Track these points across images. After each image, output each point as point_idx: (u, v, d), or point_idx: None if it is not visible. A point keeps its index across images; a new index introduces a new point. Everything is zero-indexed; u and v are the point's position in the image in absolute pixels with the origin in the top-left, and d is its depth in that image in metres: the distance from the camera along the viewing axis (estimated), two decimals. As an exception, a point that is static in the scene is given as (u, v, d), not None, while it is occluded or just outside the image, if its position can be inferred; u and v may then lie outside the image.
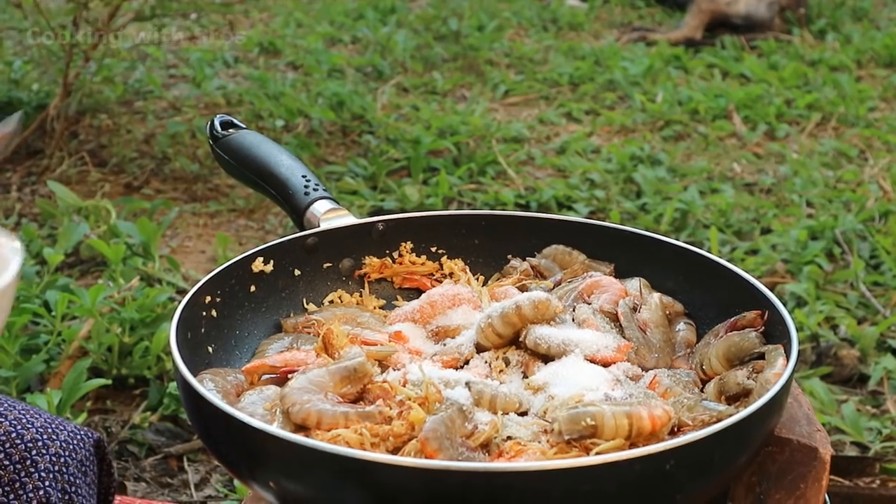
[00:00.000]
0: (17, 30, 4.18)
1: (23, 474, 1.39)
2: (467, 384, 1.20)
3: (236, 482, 2.21)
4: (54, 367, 2.45)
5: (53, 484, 1.40)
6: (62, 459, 1.42)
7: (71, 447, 1.44)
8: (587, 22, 5.71)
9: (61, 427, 1.45)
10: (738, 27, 5.44)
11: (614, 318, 1.35)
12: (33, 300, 2.62)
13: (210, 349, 1.33)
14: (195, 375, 1.18)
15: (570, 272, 1.46)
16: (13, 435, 1.41)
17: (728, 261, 1.40)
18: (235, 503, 2.18)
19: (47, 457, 1.41)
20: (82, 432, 1.48)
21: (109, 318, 2.50)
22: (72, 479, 1.43)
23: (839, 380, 2.66)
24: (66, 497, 1.41)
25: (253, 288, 1.41)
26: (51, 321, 2.50)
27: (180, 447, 2.35)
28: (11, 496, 1.37)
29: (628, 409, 1.12)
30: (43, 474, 1.40)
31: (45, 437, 1.42)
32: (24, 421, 1.43)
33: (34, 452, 1.40)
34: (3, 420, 1.42)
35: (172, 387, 2.42)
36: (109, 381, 2.39)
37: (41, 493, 1.38)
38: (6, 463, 1.39)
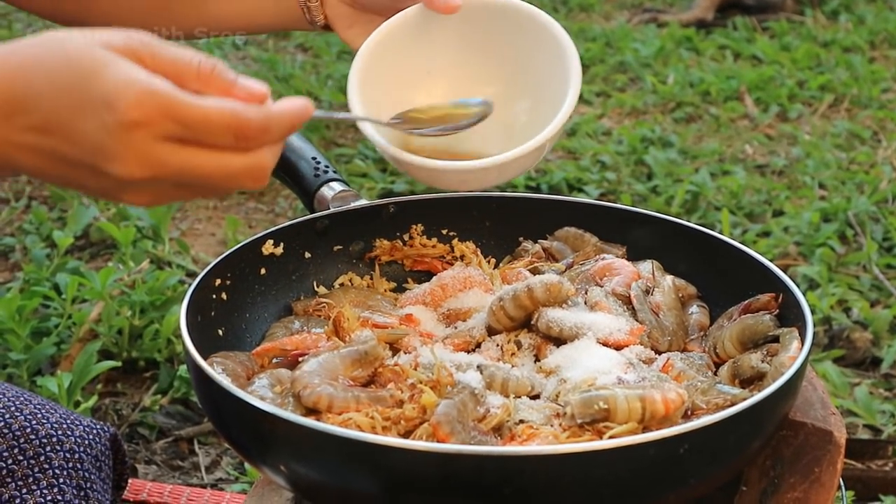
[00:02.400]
0: (27, 13, 4.17)
1: (37, 470, 1.38)
2: (479, 367, 1.19)
3: (247, 465, 2.21)
4: (65, 349, 2.45)
5: (68, 480, 1.40)
6: (77, 455, 1.42)
7: (86, 443, 1.44)
8: (598, 3, 5.68)
9: (76, 423, 1.45)
10: (749, 8, 5.40)
11: (627, 301, 1.34)
12: (43, 283, 2.62)
13: (220, 332, 1.32)
14: (205, 359, 1.18)
15: (582, 255, 1.45)
16: (28, 430, 1.40)
17: (740, 243, 1.39)
18: (246, 486, 2.18)
19: (62, 453, 1.41)
20: (98, 427, 1.48)
21: (119, 301, 2.50)
22: (87, 475, 1.43)
23: (852, 363, 2.65)
24: (81, 493, 1.41)
25: (263, 271, 1.40)
26: (61, 304, 2.50)
27: (191, 430, 2.35)
28: (24, 491, 1.37)
29: (641, 393, 1.11)
30: (57, 471, 1.39)
31: (59, 433, 1.42)
32: (39, 416, 1.42)
33: (49, 449, 1.40)
34: (18, 415, 1.41)
35: (183, 370, 2.42)
36: (120, 364, 2.39)
37: (55, 489, 1.38)
38: (20, 458, 1.38)
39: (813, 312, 1.25)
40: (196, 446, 2.32)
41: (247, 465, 2.21)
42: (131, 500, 2.04)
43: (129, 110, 0.89)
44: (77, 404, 2.22)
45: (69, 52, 0.91)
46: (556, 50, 1.29)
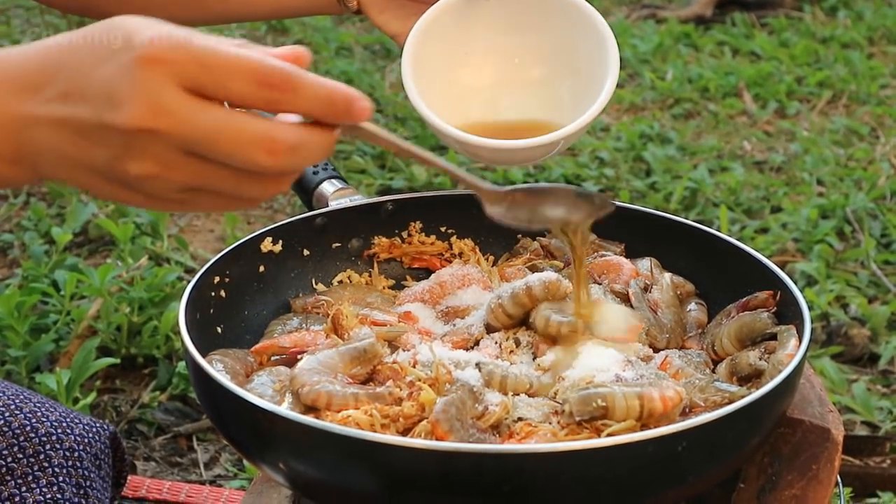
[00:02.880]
0: (24, 7, 4.17)
1: (36, 468, 1.38)
2: (478, 365, 1.19)
3: (245, 462, 2.22)
4: (63, 346, 2.45)
5: (67, 479, 1.40)
6: (76, 454, 1.42)
7: (86, 441, 1.44)
8: (596, -1, 5.68)
9: (76, 421, 1.45)
10: (748, 4, 5.40)
11: (625, 299, 1.34)
12: (42, 280, 2.62)
13: (219, 329, 1.32)
14: (204, 356, 1.18)
15: (581, 252, 1.45)
16: (27, 429, 1.40)
17: (738, 239, 1.40)
18: (245, 483, 2.18)
19: (61, 451, 1.41)
20: (97, 426, 1.48)
21: (118, 298, 2.50)
22: (86, 473, 1.43)
23: (850, 359, 2.65)
24: (81, 491, 1.41)
25: (262, 268, 1.40)
26: (60, 301, 2.51)
27: (189, 426, 2.35)
28: (24, 489, 1.37)
29: (639, 391, 1.12)
30: (57, 469, 1.39)
31: (59, 431, 1.42)
32: (38, 415, 1.42)
33: (48, 447, 1.40)
34: (18, 413, 1.41)
35: (181, 366, 2.42)
36: (118, 361, 2.39)
37: (55, 488, 1.38)
38: (20, 456, 1.38)
39: (811, 309, 1.25)
40: (195, 443, 2.32)
41: (245, 461, 2.21)
42: (130, 496, 2.04)
43: (148, 45, 0.82)
44: (76, 401, 2.22)
45: (105, 21, 0.87)
46: (595, 36, 1.35)
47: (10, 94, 0.87)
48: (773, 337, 1.26)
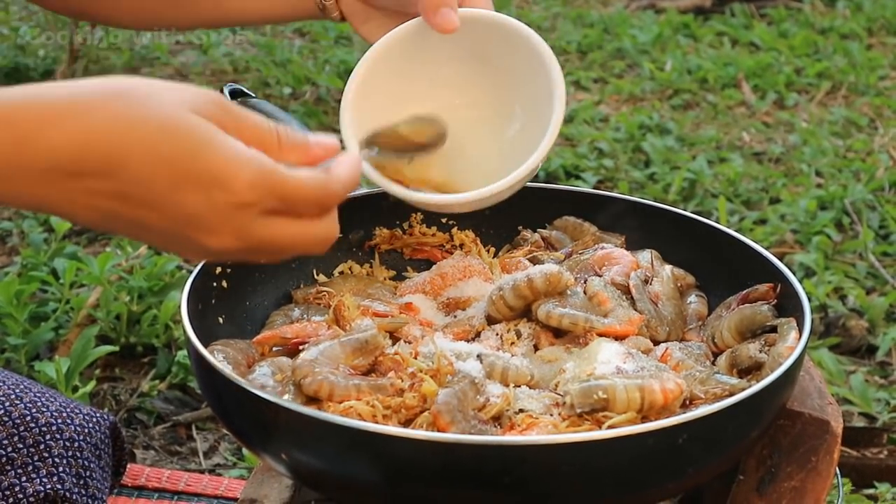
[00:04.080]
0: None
1: (36, 458, 1.39)
2: (479, 356, 1.20)
3: (245, 451, 2.22)
4: (63, 334, 2.45)
5: (67, 469, 1.40)
6: (76, 444, 1.42)
7: (86, 431, 1.44)
8: (596, -11, 5.67)
9: (76, 411, 1.45)
10: (747, -6, 5.39)
11: (626, 291, 1.34)
12: (41, 268, 2.62)
13: (220, 320, 1.33)
14: (206, 347, 1.18)
15: (581, 244, 1.45)
16: (27, 419, 1.41)
17: (737, 231, 1.40)
18: (244, 472, 2.19)
19: (61, 441, 1.41)
20: (97, 416, 1.48)
21: (118, 287, 2.50)
22: (86, 463, 1.43)
23: (847, 350, 2.66)
24: (81, 481, 1.41)
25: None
26: (59, 289, 2.51)
27: (189, 415, 2.35)
28: (24, 479, 1.37)
29: (640, 383, 1.12)
30: (57, 459, 1.40)
31: (59, 421, 1.42)
32: (38, 405, 1.43)
33: (48, 437, 1.40)
34: (18, 403, 1.42)
35: (181, 355, 2.42)
36: (118, 349, 2.39)
37: (55, 478, 1.38)
38: (20, 446, 1.39)
39: (809, 300, 1.26)
40: (194, 432, 2.32)
41: (244, 450, 2.22)
42: (129, 485, 2.04)
43: (245, 192, 0.90)
44: (75, 389, 2.23)
45: (164, 118, 0.89)
46: (541, 70, 1.29)
47: (29, 186, 0.87)
48: (774, 329, 1.27)
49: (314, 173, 0.96)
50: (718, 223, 1.45)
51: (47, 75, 3.94)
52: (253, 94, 1.62)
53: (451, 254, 1.47)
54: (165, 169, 0.88)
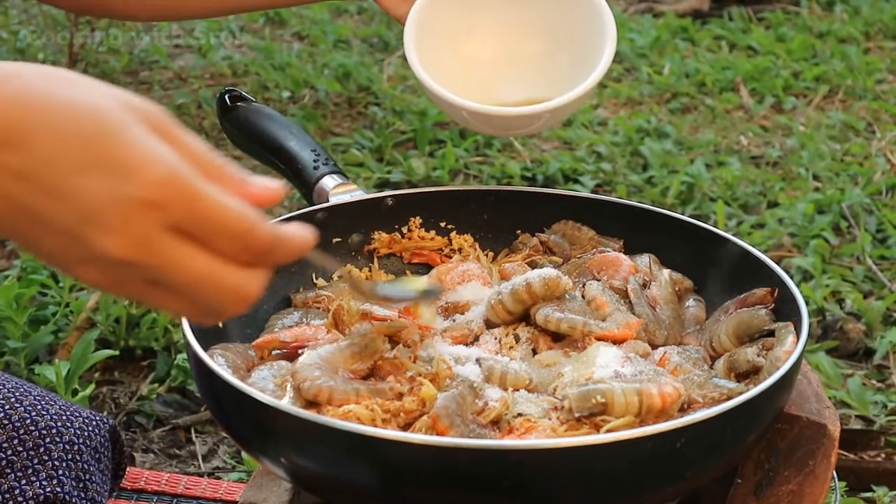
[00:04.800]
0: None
1: (36, 461, 1.39)
2: (478, 360, 1.20)
3: (244, 454, 2.22)
4: (62, 338, 2.45)
5: (67, 472, 1.40)
6: (76, 447, 1.42)
7: (85, 434, 1.44)
8: (594, -8, 5.68)
9: (76, 414, 1.45)
10: (745, -2, 5.40)
11: (624, 295, 1.35)
12: (41, 271, 2.62)
13: (220, 324, 1.33)
14: (205, 350, 1.18)
15: (580, 248, 1.46)
16: (27, 422, 1.41)
17: (734, 234, 1.40)
18: (243, 475, 2.19)
19: (61, 445, 1.41)
20: (97, 419, 1.48)
21: (117, 290, 2.50)
22: (86, 466, 1.43)
23: (845, 354, 2.66)
24: (80, 485, 1.41)
25: (262, 262, 1.40)
26: (59, 292, 2.51)
27: (188, 418, 2.36)
28: (24, 482, 1.37)
29: (638, 387, 1.13)
30: (56, 462, 1.40)
31: (59, 424, 1.42)
32: (38, 408, 1.43)
33: (48, 440, 1.40)
34: (18, 406, 1.42)
35: (180, 358, 2.43)
36: (117, 353, 2.39)
37: (55, 481, 1.38)
38: (20, 449, 1.39)
39: (807, 304, 1.26)
40: (193, 435, 2.33)
41: (244, 453, 2.22)
42: (129, 488, 2.04)
43: (151, 187, 0.80)
44: (74, 392, 2.23)
45: (89, 100, 0.81)
46: (592, 10, 1.39)
47: None
48: (771, 333, 1.27)
49: (241, 204, 0.84)
50: (716, 227, 1.45)
51: (46, 79, 3.93)
52: (252, 98, 1.63)
53: (450, 258, 1.48)
54: (72, 149, 0.80)
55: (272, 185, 0.87)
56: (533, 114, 1.34)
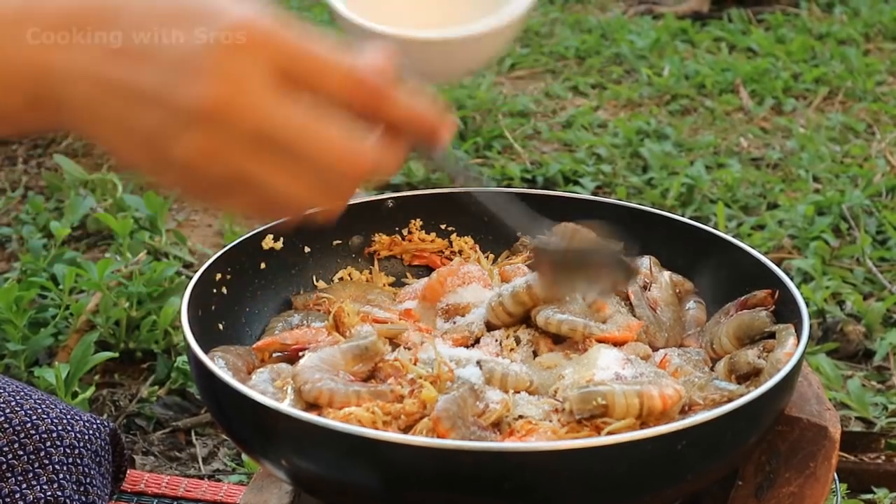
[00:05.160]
0: None
1: (37, 465, 1.39)
2: (478, 363, 1.20)
3: (244, 456, 2.22)
4: (62, 340, 2.45)
5: (68, 476, 1.40)
6: (77, 451, 1.42)
7: (86, 438, 1.44)
8: (593, -6, 5.68)
9: (76, 418, 1.45)
10: (745, 0, 5.41)
11: (624, 297, 1.35)
12: (41, 274, 2.62)
13: (220, 326, 1.33)
14: (206, 353, 1.18)
15: (580, 250, 1.46)
16: (28, 425, 1.41)
17: (734, 236, 1.40)
18: (244, 477, 2.19)
19: (62, 448, 1.41)
20: (98, 423, 1.48)
21: (117, 292, 2.50)
22: (86, 470, 1.43)
23: (845, 355, 2.66)
24: (81, 488, 1.41)
25: (263, 265, 1.41)
26: (58, 295, 2.51)
27: (188, 421, 2.36)
28: (24, 486, 1.37)
29: (639, 389, 1.13)
30: (57, 466, 1.40)
31: (59, 428, 1.42)
32: (39, 412, 1.43)
33: (49, 444, 1.40)
34: (18, 410, 1.42)
35: (180, 361, 2.43)
36: (117, 355, 2.39)
37: (55, 485, 1.38)
38: (20, 453, 1.39)
39: (807, 305, 1.26)
40: (193, 437, 2.33)
41: (244, 456, 2.22)
42: (129, 490, 2.04)
43: (237, 27, 0.75)
44: (74, 395, 2.23)
45: None
46: None
47: (38, 36, 0.77)
48: (772, 335, 1.27)
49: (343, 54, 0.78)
50: (716, 229, 1.46)
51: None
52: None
53: (451, 260, 1.48)
54: (160, 9, 0.77)
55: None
56: (444, 40, 1.28)
